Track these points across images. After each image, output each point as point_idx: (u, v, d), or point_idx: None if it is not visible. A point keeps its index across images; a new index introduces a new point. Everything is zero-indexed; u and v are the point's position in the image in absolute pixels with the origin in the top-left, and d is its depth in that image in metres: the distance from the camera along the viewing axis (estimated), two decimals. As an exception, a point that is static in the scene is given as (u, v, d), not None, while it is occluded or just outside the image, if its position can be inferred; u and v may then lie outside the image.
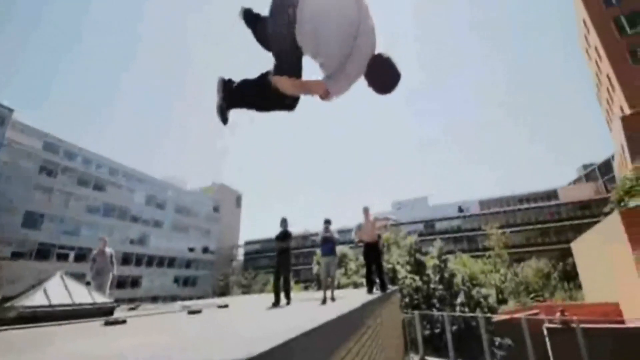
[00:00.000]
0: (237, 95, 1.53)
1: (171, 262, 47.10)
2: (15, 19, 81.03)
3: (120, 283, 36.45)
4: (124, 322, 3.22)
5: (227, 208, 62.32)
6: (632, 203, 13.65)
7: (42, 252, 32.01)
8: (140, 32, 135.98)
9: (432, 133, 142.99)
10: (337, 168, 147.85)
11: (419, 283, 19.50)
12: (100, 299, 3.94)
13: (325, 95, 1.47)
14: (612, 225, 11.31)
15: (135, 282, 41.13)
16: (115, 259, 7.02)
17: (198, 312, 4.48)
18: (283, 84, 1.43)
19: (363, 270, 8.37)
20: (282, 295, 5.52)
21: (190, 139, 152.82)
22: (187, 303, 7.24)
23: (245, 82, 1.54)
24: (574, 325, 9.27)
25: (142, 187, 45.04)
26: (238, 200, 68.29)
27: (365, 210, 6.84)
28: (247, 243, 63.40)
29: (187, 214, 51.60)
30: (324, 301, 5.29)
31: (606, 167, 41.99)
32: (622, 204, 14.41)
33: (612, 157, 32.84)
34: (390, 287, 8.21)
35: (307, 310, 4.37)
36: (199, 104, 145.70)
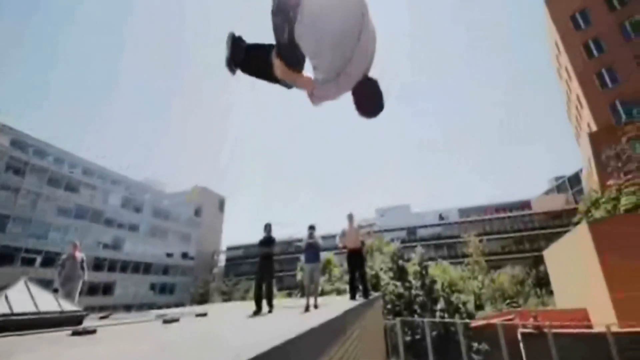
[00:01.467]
0: (242, 56, 1.57)
1: (147, 268, 45.06)
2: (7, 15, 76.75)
3: (91, 290, 34.43)
4: (93, 332, 3.04)
5: (209, 212, 60.74)
6: (598, 214, 14.61)
7: (5, 256, 29.77)
8: (124, 29, 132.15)
9: (415, 142, 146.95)
10: (323, 175, 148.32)
11: (401, 289, 19.75)
12: (69, 307, 3.70)
13: (311, 96, 1.47)
14: (580, 234, 11.98)
15: (107, 289, 38.97)
16: (86, 264, 6.64)
17: (174, 321, 4.29)
18: (278, 66, 1.46)
19: (347, 277, 8.37)
20: (265, 302, 5.41)
21: (173, 142, 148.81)
22: (164, 311, 6.93)
23: (251, 50, 1.57)
24: (546, 330, 9.67)
25: (119, 189, 43.13)
26: (221, 204, 66.78)
27: (350, 217, 6.88)
28: (230, 249, 61.82)
29: (166, 218, 49.79)
30: (307, 308, 5.23)
31: (576, 179, 44.66)
32: (590, 214, 15.39)
33: (581, 170, 35.00)
34: (373, 294, 8.26)
35: (289, 318, 4.31)
36: (184, 106, 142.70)
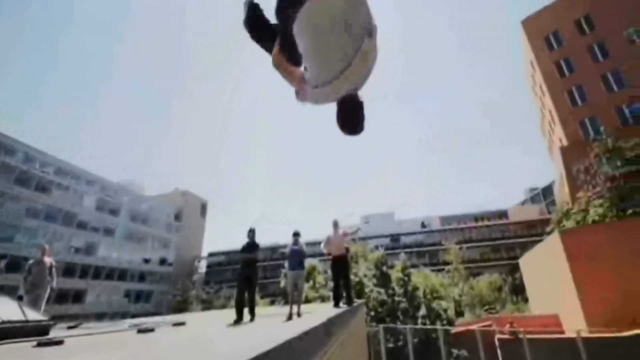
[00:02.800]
0: (254, 26, 1.56)
1: (122, 275, 42.94)
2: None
3: (60, 297, 32.31)
4: (60, 342, 2.85)
5: (190, 216, 58.97)
6: (569, 224, 15.42)
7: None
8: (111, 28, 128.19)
9: (400, 151, 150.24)
10: (309, 181, 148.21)
11: (384, 297, 19.87)
12: (34, 316, 3.46)
13: (297, 93, 1.45)
14: (552, 243, 12.56)
15: (78, 297, 36.73)
16: (55, 270, 6.25)
17: (149, 330, 4.10)
18: (275, 54, 1.44)
19: (331, 284, 8.32)
20: (246, 311, 5.28)
21: (154, 143, 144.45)
22: (138, 320, 6.59)
23: (262, 26, 1.56)
24: (521, 336, 10.00)
25: (94, 191, 41.14)
26: (203, 208, 65.04)
27: (335, 224, 6.89)
28: (211, 255, 60.04)
29: (143, 222, 47.84)
30: (289, 317, 5.14)
31: (549, 191, 47.03)
32: (561, 225, 16.22)
33: (554, 182, 36.91)
34: (357, 301, 8.26)
35: (271, 328, 4.23)
36: (167, 106, 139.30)
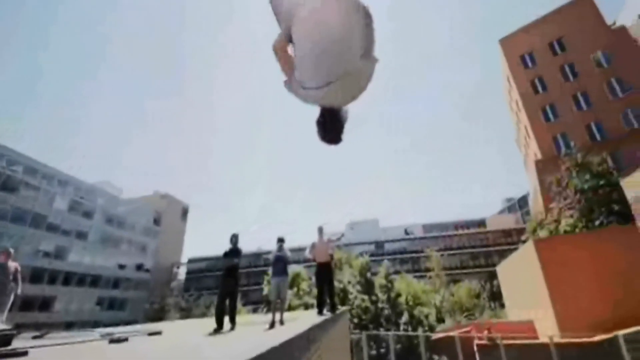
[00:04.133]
0: None
1: (95, 281, 40.67)
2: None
3: (25, 305, 30.21)
4: (24, 354, 2.67)
5: (170, 221, 56.95)
6: (542, 234, 16.16)
7: None
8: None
9: (385, 160, 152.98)
10: (298, 187, 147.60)
11: (368, 303, 19.94)
12: (-7, 326, 3.21)
13: (285, 82, 1.43)
14: (527, 251, 13.09)
15: (46, 304, 34.39)
16: (20, 275, 5.85)
17: (123, 340, 3.91)
18: (277, 39, 1.40)
19: (315, 291, 8.27)
20: (227, 319, 5.14)
21: (137, 144, 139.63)
22: (111, 330, 6.25)
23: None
24: (498, 341, 10.29)
25: (66, 191, 38.98)
26: (184, 212, 63.07)
27: (320, 230, 6.89)
28: (191, 261, 58.02)
29: (120, 226, 45.73)
30: (271, 325, 5.05)
31: (524, 201, 49.20)
32: (535, 234, 16.97)
33: (529, 193, 38.67)
34: (340, 308, 8.22)
35: (251, 336, 4.13)
36: (150, 103, 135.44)
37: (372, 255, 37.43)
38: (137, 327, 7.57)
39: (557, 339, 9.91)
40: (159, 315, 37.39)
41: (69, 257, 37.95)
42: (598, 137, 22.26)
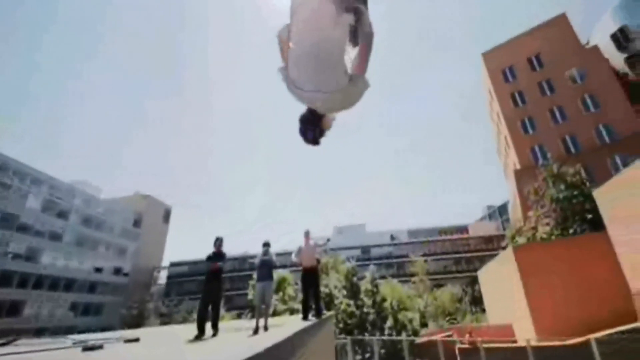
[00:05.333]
0: None
1: (69, 285, 38.63)
2: None
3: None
4: (-13, 365, 2.49)
5: (151, 223, 55.01)
6: (521, 241, 16.76)
7: None
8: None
9: (372, 166, 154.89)
10: (285, 191, 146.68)
11: (354, 308, 19.97)
12: (-46, 335, 2.99)
13: (281, 66, 1.47)
14: (506, 258, 13.54)
15: (14, 309, 32.27)
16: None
17: (97, 348, 3.74)
18: (281, 28, 1.46)
19: (301, 296, 8.21)
20: (209, 325, 5.01)
21: (114, 141, 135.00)
22: (85, 336, 5.94)
23: None
24: (478, 345, 10.52)
25: (40, 190, 37.03)
26: (166, 214, 61.12)
27: (306, 234, 6.86)
28: (173, 265, 56.21)
29: (97, 227, 43.76)
30: (255, 331, 4.96)
31: (504, 209, 50.95)
32: (514, 240, 17.59)
33: (508, 201, 40.11)
34: (326, 313, 8.19)
35: (234, 343, 4.05)
36: (130, 100, 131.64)
37: (358, 260, 37.62)
38: (114, 333, 7.24)
39: (534, 343, 10.24)
40: (137, 321, 36.01)
41: (42, 259, 35.94)
42: (573, 149, 23.46)
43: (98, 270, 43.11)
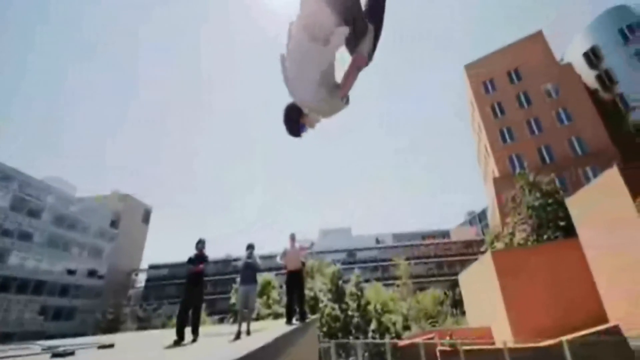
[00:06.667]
0: None
1: (39, 288, 36.41)
2: None
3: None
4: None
5: (129, 223, 52.92)
6: (499, 246, 17.38)
7: None
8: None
9: (361, 170, 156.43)
10: (274, 193, 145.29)
11: (338, 312, 19.98)
12: None
13: (281, 56, 1.57)
14: (485, 262, 14.00)
15: (-25, 314, 30.16)
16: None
17: (68, 354, 3.56)
18: (293, 20, 1.53)
19: (286, 299, 8.12)
20: (189, 330, 4.87)
21: (94, 138, 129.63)
22: (56, 342, 5.62)
23: None
24: (458, 347, 10.77)
25: (9, 187, 34.88)
26: (146, 215, 58.96)
27: (292, 237, 6.83)
28: (152, 267, 54.11)
29: (71, 227, 41.59)
30: (237, 336, 4.87)
31: (484, 215, 52.68)
32: (493, 245, 18.21)
33: (487, 207, 41.52)
34: (310, 317, 8.14)
35: (215, 348, 3.96)
36: (112, 96, 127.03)
37: (344, 263, 37.71)
38: (87, 339, 6.90)
39: (510, 344, 10.60)
40: (113, 326, 34.49)
41: (9, 260, 33.76)
42: (548, 159, 24.66)
43: (71, 272, 40.94)
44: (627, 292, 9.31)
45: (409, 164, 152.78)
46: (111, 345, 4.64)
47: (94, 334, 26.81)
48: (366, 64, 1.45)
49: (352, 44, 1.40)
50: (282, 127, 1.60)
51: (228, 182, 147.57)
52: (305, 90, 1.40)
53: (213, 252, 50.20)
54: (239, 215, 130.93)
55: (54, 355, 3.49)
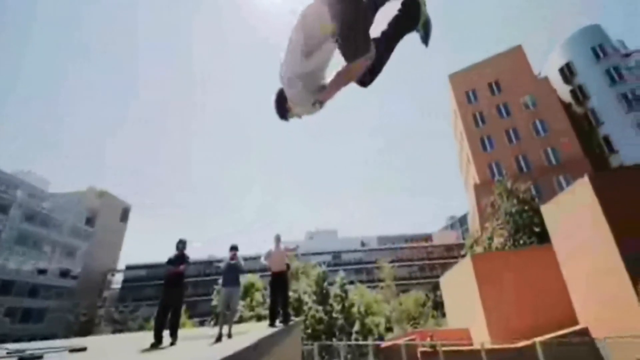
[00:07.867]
0: None
1: (6, 288, 34.24)
2: None
3: None
4: None
5: (106, 221, 50.52)
6: (478, 250, 17.97)
7: None
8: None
9: (347, 173, 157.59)
10: (261, 193, 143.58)
11: (322, 314, 19.96)
12: None
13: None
14: (465, 265, 14.41)
15: None
16: None
17: (36, 358, 3.37)
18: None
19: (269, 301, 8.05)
20: (168, 333, 4.74)
21: (71, 133, 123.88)
22: (23, 345, 5.31)
23: None
24: (438, 348, 11.02)
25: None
26: (124, 213, 56.40)
27: (277, 239, 6.79)
28: (129, 268, 52.04)
29: (42, 224, 39.43)
30: (218, 338, 4.77)
31: (465, 219, 54.35)
32: (472, 249, 18.80)
33: (468, 212, 42.85)
34: (294, 319, 8.09)
35: (194, 351, 3.87)
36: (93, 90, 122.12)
37: (329, 265, 37.77)
38: (57, 342, 6.55)
39: (487, 346, 10.94)
40: (86, 328, 32.94)
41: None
42: (525, 168, 25.81)
43: (41, 271, 38.80)
44: (595, 296, 9.84)
45: (394, 167, 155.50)
46: (83, 349, 4.44)
47: (65, 336, 25.46)
48: (363, 84, 1.54)
49: (349, 59, 1.38)
50: (268, 121, 1.69)
51: (226, 183, 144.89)
52: (289, 85, 1.53)
53: (214, 253, 48.99)
54: (238, 215, 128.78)
55: (21, 359, 3.30)
